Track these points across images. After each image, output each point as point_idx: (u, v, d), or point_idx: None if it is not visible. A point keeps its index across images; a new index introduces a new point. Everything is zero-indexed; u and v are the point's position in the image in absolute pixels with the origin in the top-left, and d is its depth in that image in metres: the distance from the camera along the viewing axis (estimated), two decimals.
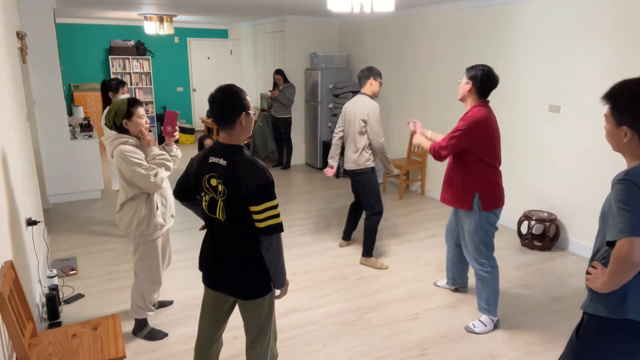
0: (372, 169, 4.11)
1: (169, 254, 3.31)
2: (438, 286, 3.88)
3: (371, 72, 3.99)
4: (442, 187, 3.36)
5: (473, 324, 3.28)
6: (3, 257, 2.26)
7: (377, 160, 4.11)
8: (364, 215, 4.32)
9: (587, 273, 1.80)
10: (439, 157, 3.15)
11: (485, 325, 3.25)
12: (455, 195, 3.21)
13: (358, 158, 4.04)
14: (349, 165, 4.15)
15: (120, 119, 2.80)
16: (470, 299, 3.66)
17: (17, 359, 2.05)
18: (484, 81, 3.05)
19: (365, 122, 3.93)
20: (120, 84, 4.98)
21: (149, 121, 2.94)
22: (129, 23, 9.74)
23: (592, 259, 1.82)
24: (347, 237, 4.69)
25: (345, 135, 4.17)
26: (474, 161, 3.08)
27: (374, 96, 4.03)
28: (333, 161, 4.30)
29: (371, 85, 4.00)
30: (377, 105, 3.96)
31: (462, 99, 3.18)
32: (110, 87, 4.95)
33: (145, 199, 2.86)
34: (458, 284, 3.74)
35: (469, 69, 3.12)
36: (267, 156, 8.09)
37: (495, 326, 3.29)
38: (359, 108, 3.97)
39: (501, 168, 3.22)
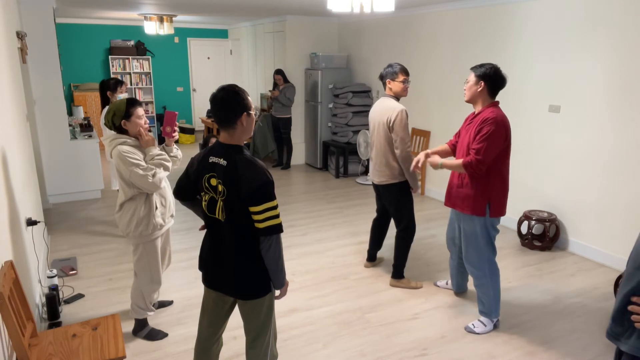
0: (407, 181, 3.67)
1: (169, 254, 3.31)
2: (438, 286, 3.88)
3: (387, 74, 3.57)
4: (450, 191, 3.23)
5: (473, 324, 3.27)
6: (3, 257, 2.27)
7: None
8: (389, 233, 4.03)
9: (628, 311, 1.51)
10: (478, 171, 2.92)
11: (485, 326, 3.25)
12: (469, 201, 3.08)
13: (390, 171, 3.60)
14: (380, 179, 3.68)
15: (119, 119, 2.80)
16: (470, 299, 3.66)
17: (17, 359, 2.05)
18: (494, 80, 2.96)
19: (390, 128, 3.51)
20: (119, 83, 4.96)
21: (148, 121, 2.94)
22: (129, 23, 9.74)
23: (632, 292, 1.53)
24: (372, 258, 4.22)
25: (371, 145, 3.74)
26: (491, 166, 2.97)
27: (398, 97, 3.61)
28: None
29: (390, 89, 3.58)
30: (404, 108, 3.48)
31: (471, 101, 3.05)
32: (108, 86, 4.93)
33: (144, 199, 2.86)
34: (462, 288, 3.72)
35: (476, 68, 3.00)
36: (267, 156, 8.09)
37: (495, 326, 3.28)
38: (382, 112, 3.54)
39: None
